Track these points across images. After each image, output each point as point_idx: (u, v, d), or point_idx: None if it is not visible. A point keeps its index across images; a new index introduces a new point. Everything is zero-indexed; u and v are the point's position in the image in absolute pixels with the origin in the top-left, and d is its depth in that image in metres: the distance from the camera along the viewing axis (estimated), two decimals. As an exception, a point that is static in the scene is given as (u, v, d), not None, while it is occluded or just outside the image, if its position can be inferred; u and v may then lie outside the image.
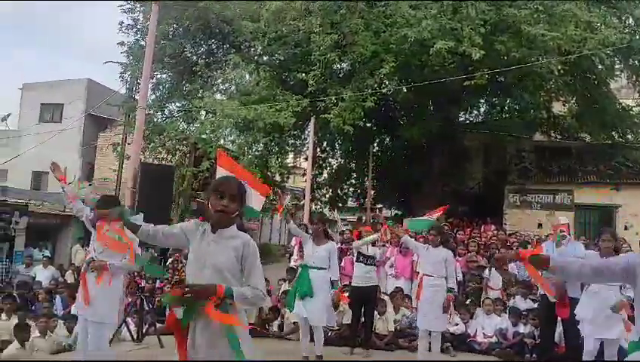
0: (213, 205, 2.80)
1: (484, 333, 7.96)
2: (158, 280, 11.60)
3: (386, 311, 8.04)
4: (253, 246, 2.85)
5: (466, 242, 11.33)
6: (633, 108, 17.91)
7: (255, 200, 6.72)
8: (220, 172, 7.11)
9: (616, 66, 15.63)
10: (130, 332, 7.63)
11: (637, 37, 13.59)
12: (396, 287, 8.93)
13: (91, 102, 22.10)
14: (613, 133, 18.12)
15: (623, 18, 14.45)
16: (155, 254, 15.57)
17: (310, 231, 6.98)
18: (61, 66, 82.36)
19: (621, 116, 17.52)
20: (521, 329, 7.84)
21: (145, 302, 7.88)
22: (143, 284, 10.39)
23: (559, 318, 6.32)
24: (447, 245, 6.98)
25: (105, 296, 4.96)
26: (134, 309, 8.00)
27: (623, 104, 17.96)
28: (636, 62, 15.27)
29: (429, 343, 6.67)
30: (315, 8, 13.30)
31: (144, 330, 7.74)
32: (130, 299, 8.48)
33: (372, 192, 20.07)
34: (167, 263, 14.83)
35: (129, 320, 7.78)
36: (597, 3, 13.61)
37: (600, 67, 14.79)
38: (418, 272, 7.93)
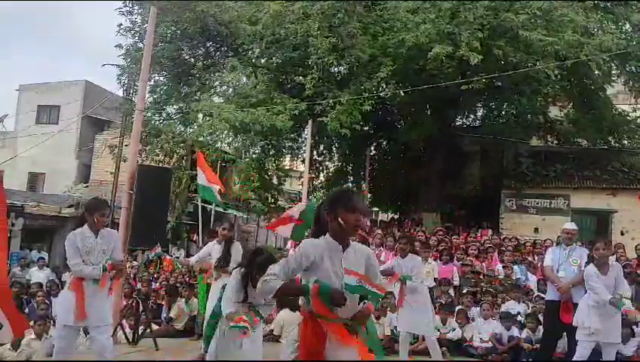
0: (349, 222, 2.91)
1: (480, 338, 7.97)
2: (153, 282, 11.59)
3: (382, 316, 8.04)
4: None
5: (464, 247, 11.35)
6: (630, 114, 17.96)
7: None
8: (199, 172, 7.87)
9: (613, 72, 15.66)
10: (126, 335, 7.61)
11: (634, 43, 13.63)
12: (388, 292, 8.91)
13: (88, 104, 22.08)
14: (610, 138, 18.16)
15: (620, 24, 14.50)
16: (151, 257, 15.54)
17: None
18: (58, 68, 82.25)
19: (618, 121, 17.56)
20: (515, 333, 7.84)
21: (141, 304, 7.86)
22: (138, 286, 10.38)
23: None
24: (414, 251, 7.01)
25: (102, 299, 4.96)
26: (130, 311, 7.98)
27: (620, 109, 18.00)
28: (633, 67, 15.30)
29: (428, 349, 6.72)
30: (314, 12, 13.31)
31: (139, 333, 7.72)
32: (125, 301, 8.47)
33: (369, 195, 20.04)
34: (163, 265, 14.79)
35: (124, 322, 7.76)
36: (594, 8, 13.65)
37: (597, 72, 14.82)
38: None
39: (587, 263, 5.95)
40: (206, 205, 17.19)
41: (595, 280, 5.61)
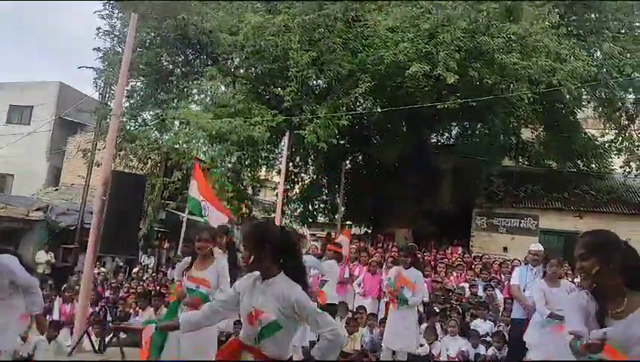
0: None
1: (448, 355, 8.03)
2: (121, 290, 11.40)
3: (354, 331, 8.05)
4: None
5: (433, 264, 11.46)
6: (598, 139, 18.45)
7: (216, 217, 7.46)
8: (194, 184, 7.38)
9: (584, 97, 16.10)
10: (92, 343, 7.47)
11: (604, 70, 14.04)
12: (359, 306, 8.95)
13: (62, 105, 21.75)
14: (579, 161, 18.64)
15: (592, 51, 14.94)
16: (121, 264, 15.27)
17: None
18: (32, 68, 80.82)
19: (586, 145, 18.05)
20: (482, 351, 7.93)
21: (108, 312, 7.74)
22: (106, 294, 10.21)
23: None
24: (417, 266, 7.15)
25: None
26: (96, 319, 7.85)
27: (589, 134, 18.50)
28: (603, 94, 15.77)
29: None
30: (294, 25, 13.39)
31: (106, 341, 7.59)
32: (92, 309, 8.33)
33: (343, 209, 20.09)
34: (132, 273, 14.55)
35: (90, 330, 7.62)
36: (567, 36, 14.06)
37: (568, 97, 15.22)
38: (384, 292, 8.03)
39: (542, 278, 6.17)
40: (178, 213, 17.02)
41: (539, 293, 5.79)
